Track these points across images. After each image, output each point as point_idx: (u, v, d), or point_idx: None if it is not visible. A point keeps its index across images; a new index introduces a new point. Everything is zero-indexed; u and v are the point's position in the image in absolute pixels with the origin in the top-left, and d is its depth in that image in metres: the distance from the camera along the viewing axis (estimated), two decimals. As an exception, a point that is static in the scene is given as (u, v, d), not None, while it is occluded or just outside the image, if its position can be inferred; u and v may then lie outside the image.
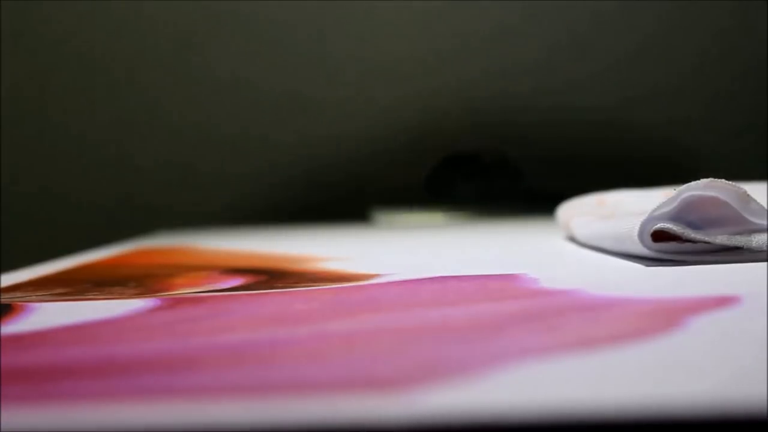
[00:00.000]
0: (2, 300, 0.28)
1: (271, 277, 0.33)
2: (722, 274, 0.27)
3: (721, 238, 0.31)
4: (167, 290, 0.30)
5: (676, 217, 0.32)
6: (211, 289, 0.30)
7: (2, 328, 0.23)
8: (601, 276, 0.28)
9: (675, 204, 0.32)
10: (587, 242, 0.39)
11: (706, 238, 0.31)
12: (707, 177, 0.32)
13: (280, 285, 0.30)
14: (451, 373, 0.15)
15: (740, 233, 0.32)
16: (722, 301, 0.21)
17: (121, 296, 0.29)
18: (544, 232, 0.53)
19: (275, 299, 0.26)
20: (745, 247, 0.31)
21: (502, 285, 0.27)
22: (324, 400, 0.14)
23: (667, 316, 0.20)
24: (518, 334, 0.19)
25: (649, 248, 0.31)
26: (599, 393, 0.14)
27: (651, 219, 0.32)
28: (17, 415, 0.14)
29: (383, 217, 0.79)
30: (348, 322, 0.21)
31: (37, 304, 0.27)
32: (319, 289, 0.28)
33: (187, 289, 0.30)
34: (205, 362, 0.18)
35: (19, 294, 0.30)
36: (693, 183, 0.32)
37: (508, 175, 0.81)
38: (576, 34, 0.84)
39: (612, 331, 0.18)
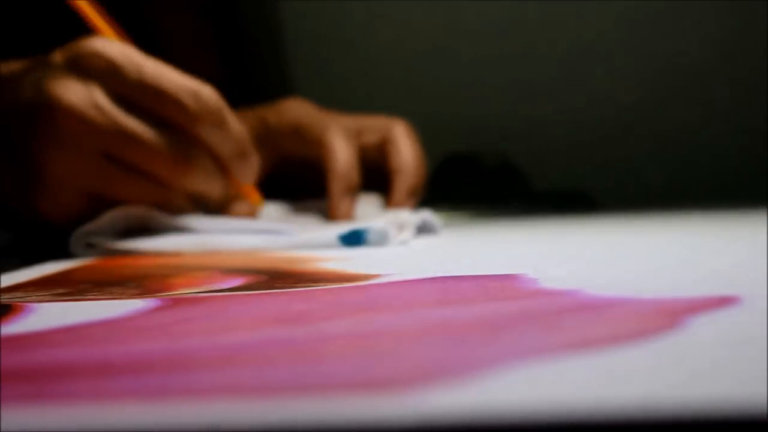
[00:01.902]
0: (2, 300, 0.28)
1: (271, 277, 0.33)
2: (722, 274, 0.27)
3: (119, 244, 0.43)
4: (167, 290, 0.30)
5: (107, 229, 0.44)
6: (211, 289, 0.30)
7: (2, 328, 0.23)
8: (600, 276, 0.28)
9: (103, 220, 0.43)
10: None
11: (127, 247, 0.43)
12: None
13: (279, 285, 0.30)
14: (451, 373, 0.15)
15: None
16: (722, 301, 0.21)
17: (121, 296, 0.29)
18: (543, 232, 0.52)
19: (275, 299, 0.26)
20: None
21: (502, 285, 0.27)
22: (323, 400, 0.14)
23: (667, 316, 0.19)
24: (518, 334, 0.19)
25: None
26: (599, 393, 0.14)
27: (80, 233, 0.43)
28: (17, 415, 0.14)
29: None
30: (348, 323, 0.21)
31: (37, 305, 0.27)
32: (318, 290, 0.28)
33: (186, 290, 0.30)
34: (205, 362, 0.18)
35: (19, 294, 0.30)
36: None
37: (509, 178, 0.81)
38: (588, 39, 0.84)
39: (612, 332, 0.18)
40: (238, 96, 0.61)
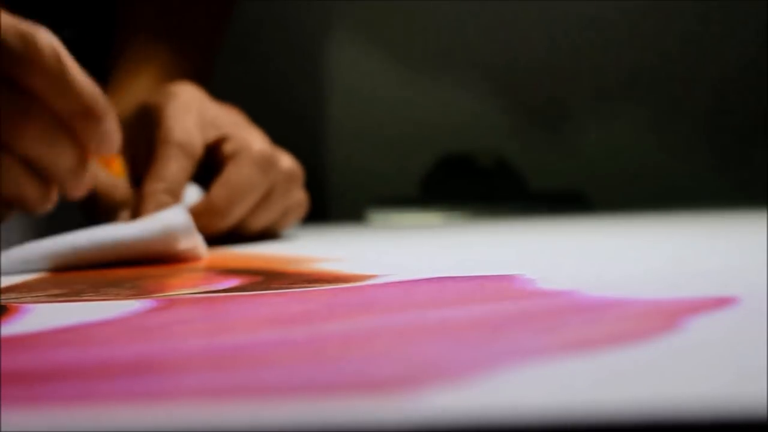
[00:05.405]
0: (-3, 301, 0.28)
1: (266, 278, 0.33)
2: (721, 275, 0.27)
3: None
4: (162, 291, 0.30)
5: None
6: (207, 290, 0.30)
7: (-3, 329, 0.23)
8: (598, 277, 0.28)
9: None
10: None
11: None
12: None
13: (275, 286, 0.30)
14: (449, 374, 0.15)
15: None
16: (721, 302, 0.21)
17: (117, 297, 0.29)
18: (542, 233, 0.52)
19: (271, 300, 0.26)
20: None
21: (500, 286, 0.27)
22: (320, 401, 0.14)
23: (666, 317, 0.19)
24: (516, 335, 0.19)
25: None
26: (598, 394, 0.14)
27: None
28: (12, 416, 0.14)
29: (379, 217, 0.79)
30: (345, 324, 0.21)
31: (32, 306, 0.27)
32: (315, 290, 0.28)
33: (182, 290, 0.30)
34: (202, 364, 0.18)
35: (14, 295, 0.30)
36: None
37: (505, 178, 0.81)
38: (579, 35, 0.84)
39: (610, 332, 0.18)
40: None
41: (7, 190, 0.39)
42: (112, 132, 0.40)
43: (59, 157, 0.39)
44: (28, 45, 0.37)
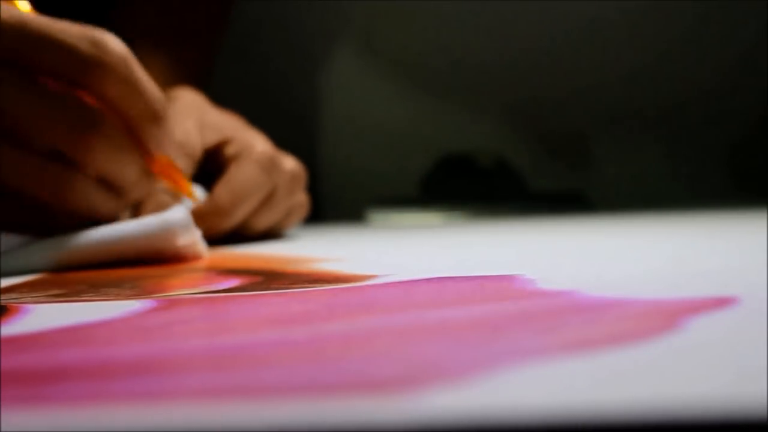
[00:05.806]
0: (-3, 301, 0.28)
1: (266, 278, 0.33)
2: (721, 275, 0.27)
3: None
4: (163, 291, 0.30)
5: None
6: (207, 290, 0.30)
7: (-3, 329, 0.23)
8: (598, 277, 0.28)
9: None
10: None
11: None
12: None
13: (276, 286, 0.30)
14: (449, 374, 0.15)
15: None
16: (721, 302, 0.21)
17: (117, 297, 0.29)
18: (541, 233, 0.52)
19: (271, 301, 0.26)
20: None
21: (500, 286, 0.27)
22: (320, 402, 0.14)
23: (666, 317, 0.19)
24: (516, 335, 0.19)
25: None
26: (598, 394, 0.14)
27: None
28: (13, 416, 0.14)
29: (379, 217, 0.79)
30: (345, 324, 0.21)
31: (32, 306, 0.27)
32: (315, 291, 0.28)
33: (182, 291, 0.30)
34: (202, 364, 0.18)
35: (14, 295, 0.30)
36: None
37: (505, 178, 0.81)
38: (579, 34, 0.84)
39: (610, 332, 0.18)
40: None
41: (78, 205, 0.39)
42: (171, 132, 0.40)
43: (126, 169, 0.39)
44: (100, 51, 0.37)
